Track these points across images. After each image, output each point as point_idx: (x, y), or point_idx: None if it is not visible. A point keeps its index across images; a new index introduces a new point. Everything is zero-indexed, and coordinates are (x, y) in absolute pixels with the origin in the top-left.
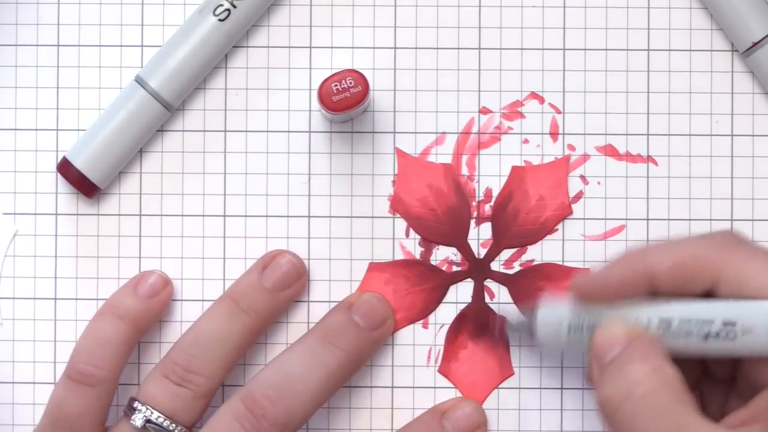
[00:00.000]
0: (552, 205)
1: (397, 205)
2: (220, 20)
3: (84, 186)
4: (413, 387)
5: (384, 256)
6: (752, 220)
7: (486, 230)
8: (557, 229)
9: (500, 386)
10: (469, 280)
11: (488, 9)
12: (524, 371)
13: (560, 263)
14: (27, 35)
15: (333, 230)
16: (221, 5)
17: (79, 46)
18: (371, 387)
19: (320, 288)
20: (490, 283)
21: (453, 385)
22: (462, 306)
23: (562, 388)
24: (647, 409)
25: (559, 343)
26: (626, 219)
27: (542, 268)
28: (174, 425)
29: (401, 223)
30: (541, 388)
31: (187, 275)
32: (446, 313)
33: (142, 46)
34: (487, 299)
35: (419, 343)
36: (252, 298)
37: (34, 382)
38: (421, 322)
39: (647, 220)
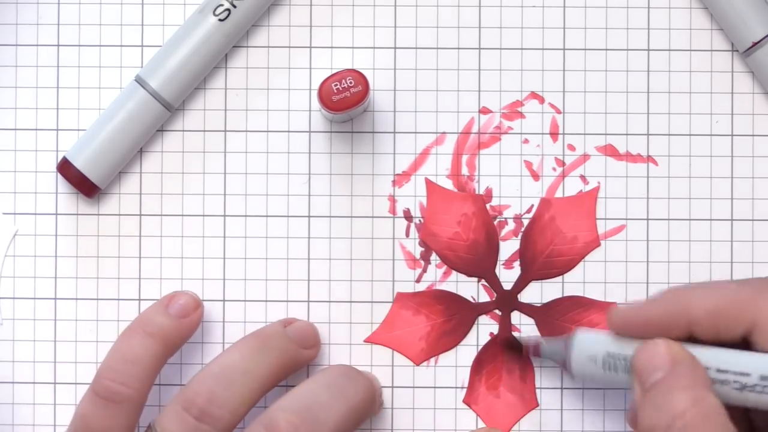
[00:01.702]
0: (581, 239)
1: (428, 238)
2: (220, 20)
3: (84, 186)
4: (413, 387)
5: (384, 256)
6: (752, 220)
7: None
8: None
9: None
10: (497, 311)
11: (488, 9)
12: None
13: (591, 297)
14: (27, 35)
15: (333, 230)
16: (221, 5)
17: (79, 46)
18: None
19: (320, 288)
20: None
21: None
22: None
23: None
24: None
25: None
26: (626, 219)
27: (571, 300)
28: None
29: (401, 223)
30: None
31: (187, 275)
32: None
33: (142, 46)
34: (514, 332)
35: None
36: (276, 341)
37: (34, 382)
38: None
39: (647, 220)
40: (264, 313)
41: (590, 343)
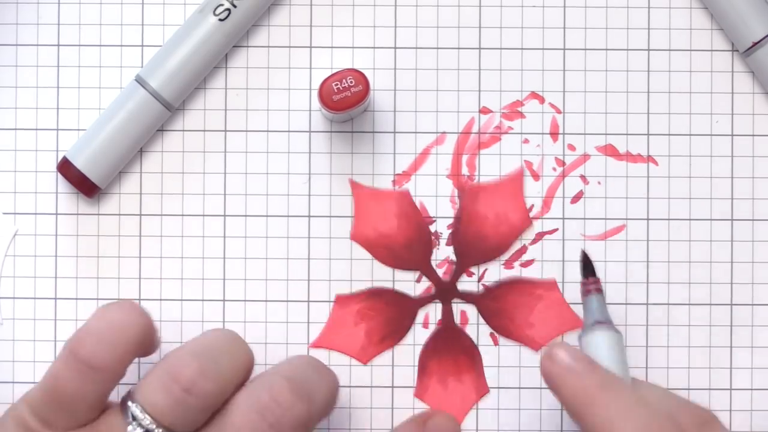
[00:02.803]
0: (511, 219)
1: (359, 238)
2: (220, 20)
3: (84, 186)
4: (413, 387)
5: None
6: (752, 220)
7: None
8: (521, 242)
9: (478, 407)
10: (437, 301)
11: (488, 9)
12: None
13: (531, 278)
14: (27, 35)
15: (333, 230)
16: (221, 5)
17: (79, 45)
18: (371, 387)
19: (320, 288)
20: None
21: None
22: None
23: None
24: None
25: None
26: (626, 219)
27: (510, 284)
28: None
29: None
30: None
31: (187, 275)
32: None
33: (142, 45)
34: (456, 320)
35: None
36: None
37: (34, 382)
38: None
39: (647, 219)
40: (264, 313)
41: None
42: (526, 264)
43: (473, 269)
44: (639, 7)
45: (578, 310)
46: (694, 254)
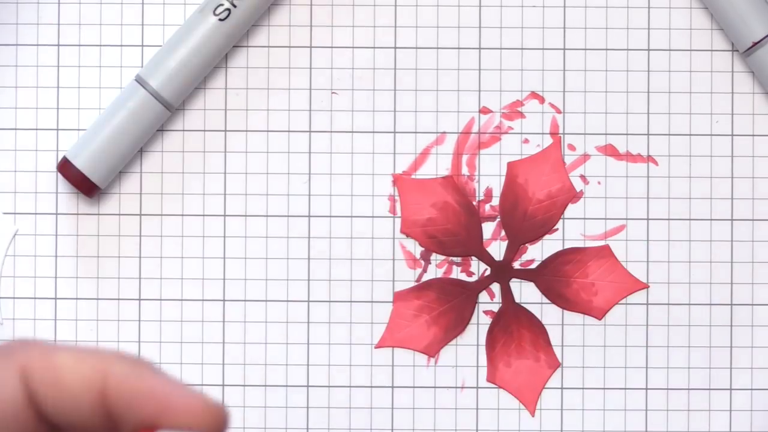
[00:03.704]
0: (556, 191)
1: (407, 228)
2: (220, 20)
3: (84, 186)
4: (413, 387)
5: (384, 256)
6: (752, 219)
7: (491, 229)
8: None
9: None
10: (495, 283)
11: (488, 9)
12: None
13: (579, 246)
14: (27, 35)
15: (333, 230)
16: (221, 5)
17: (79, 45)
18: (371, 387)
19: (320, 288)
20: (515, 283)
21: (504, 389)
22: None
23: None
24: None
25: None
26: (626, 219)
27: (563, 254)
28: None
29: (401, 223)
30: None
31: (187, 275)
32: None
33: (142, 45)
34: (517, 299)
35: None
36: None
37: None
38: (458, 338)
39: (647, 219)
40: (264, 313)
41: None
42: (527, 264)
43: (526, 246)
44: (639, 7)
45: (635, 271)
46: (694, 254)
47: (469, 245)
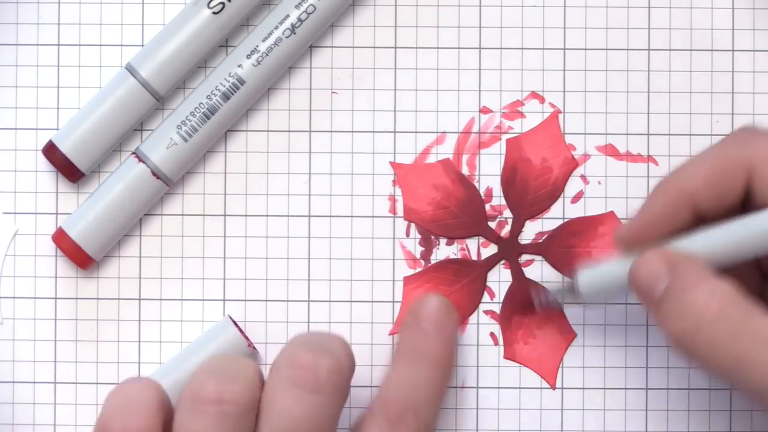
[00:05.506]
0: (556, 163)
1: (410, 215)
2: (214, 13)
3: (69, 170)
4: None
5: (384, 256)
6: None
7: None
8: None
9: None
10: (503, 261)
11: (488, 9)
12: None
13: (583, 215)
14: (27, 34)
15: (333, 230)
16: None
17: (79, 45)
18: (371, 387)
19: (320, 288)
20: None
21: (522, 366)
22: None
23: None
24: (722, 331)
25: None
26: (626, 219)
27: (569, 225)
28: None
29: (401, 223)
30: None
31: (187, 275)
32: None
33: (142, 45)
34: (527, 274)
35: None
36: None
37: (34, 382)
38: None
39: None
40: (264, 313)
41: (596, 272)
42: (527, 264)
43: (530, 221)
44: (639, 7)
45: None
46: None
47: (474, 225)
